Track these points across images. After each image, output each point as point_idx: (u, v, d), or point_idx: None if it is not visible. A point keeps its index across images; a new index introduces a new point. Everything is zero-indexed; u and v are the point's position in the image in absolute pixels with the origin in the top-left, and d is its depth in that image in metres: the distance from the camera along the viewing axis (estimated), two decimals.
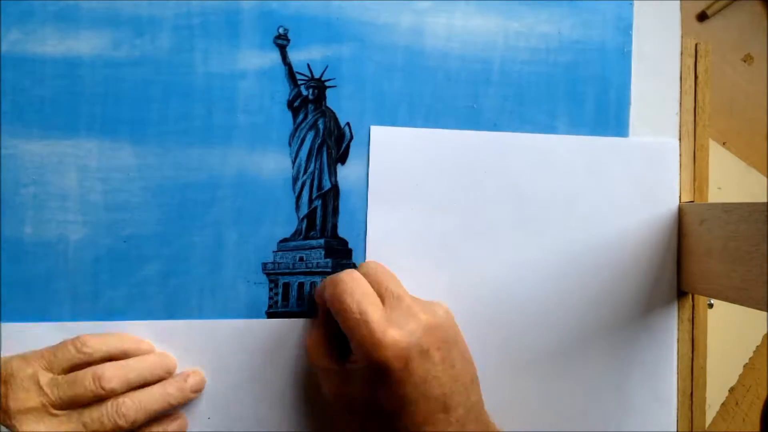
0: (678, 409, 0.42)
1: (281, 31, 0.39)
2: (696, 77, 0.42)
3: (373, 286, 0.35)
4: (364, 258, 0.40)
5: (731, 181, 0.60)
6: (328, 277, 0.36)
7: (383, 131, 0.40)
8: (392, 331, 0.32)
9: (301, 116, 0.40)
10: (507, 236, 0.41)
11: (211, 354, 0.38)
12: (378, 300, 0.34)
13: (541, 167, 0.41)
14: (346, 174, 0.40)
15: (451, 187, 0.40)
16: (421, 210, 0.40)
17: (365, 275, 0.36)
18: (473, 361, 0.36)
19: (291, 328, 0.39)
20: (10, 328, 0.37)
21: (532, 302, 0.41)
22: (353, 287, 0.34)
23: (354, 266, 0.40)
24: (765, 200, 0.45)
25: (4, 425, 0.32)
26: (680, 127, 0.42)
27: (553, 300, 0.41)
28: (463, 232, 0.40)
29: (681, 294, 0.41)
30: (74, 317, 0.38)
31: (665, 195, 0.42)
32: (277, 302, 0.40)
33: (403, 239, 0.40)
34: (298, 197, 0.40)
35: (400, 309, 0.33)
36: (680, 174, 0.42)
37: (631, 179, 0.41)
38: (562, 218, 0.41)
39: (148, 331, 0.38)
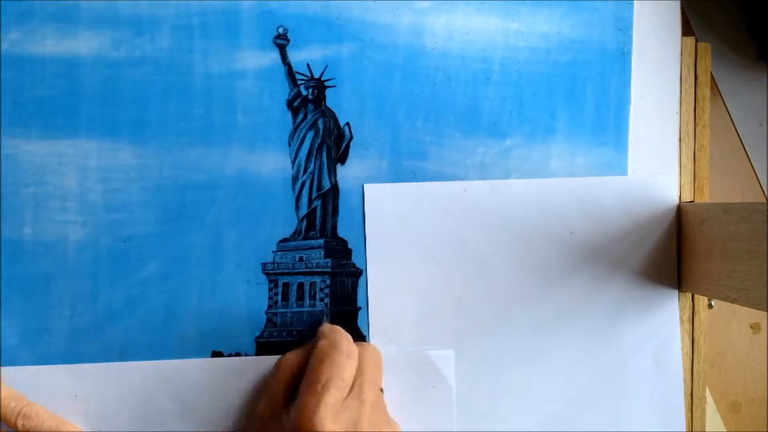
0: None
1: (281, 31, 0.39)
2: (696, 77, 0.42)
3: (357, 369, 0.35)
4: (365, 265, 0.40)
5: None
6: (337, 328, 0.37)
7: (376, 189, 0.40)
8: (330, 425, 0.32)
9: (300, 116, 0.40)
10: (504, 274, 0.41)
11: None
12: (347, 388, 0.34)
13: (536, 210, 0.41)
14: (345, 174, 0.40)
15: (447, 237, 0.40)
16: (421, 263, 0.40)
17: (360, 355, 0.36)
18: None
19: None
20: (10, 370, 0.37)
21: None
22: (340, 362, 0.34)
23: (354, 267, 0.40)
24: (765, 200, 0.44)
25: None
26: (680, 127, 0.42)
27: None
28: (463, 280, 0.40)
29: (681, 294, 0.41)
30: (73, 318, 0.38)
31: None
32: (276, 302, 0.40)
33: (405, 293, 0.40)
34: (298, 197, 0.40)
35: (353, 415, 0.33)
36: (680, 174, 0.42)
37: (629, 217, 0.41)
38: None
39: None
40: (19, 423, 0.35)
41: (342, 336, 0.36)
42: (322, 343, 0.36)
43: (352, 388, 0.34)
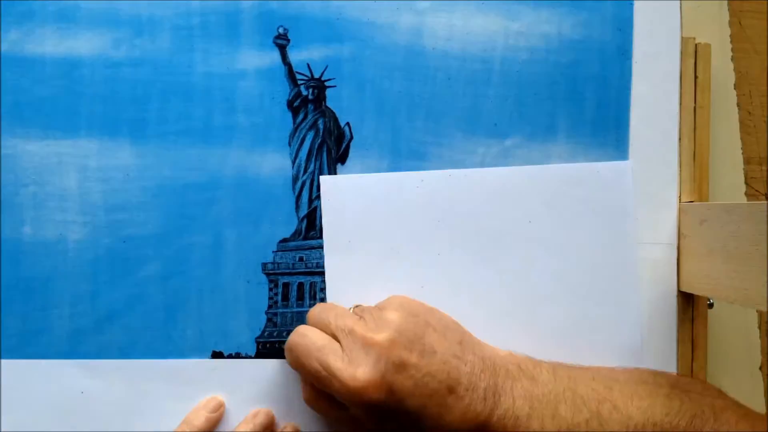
0: None
1: (281, 30, 0.39)
2: (696, 77, 0.42)
3: (324, 331, 0.35)
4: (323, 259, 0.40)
5: None
6: (285, 345, 0.36)
7: (333, 180, 0.39)
8: (360, 371, 0.32)
9: (301, 116, 0.40)
10: (464, 264, 0.40)
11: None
12: (334, 344, 0.34)
13: (495, 199, 0.40)
14: (345, 174, 0.40)
15: (406, 228, 0.40)
16: (379, 254, 0.39)
17: (314, 324, 0.36)
18: (452, 321, 0.36)
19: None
20: (11, 364, 0.37)
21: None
22: (306, 346, 0.34)
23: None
24: (765, 200, 0.45)
25: None
26: (680, 127, 0.42)
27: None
28: (423, 271, 0.40)
29: (681, 294, 0.41)
30: (73, 318, 0.38)
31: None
32: (276, 302, 0.40)
33: (363, 286, 0.39)
34: (298, 197, 0.40)
35: (356, 343, 0.33)
36: (680, 174, 0.42)
37: (589, 206, 0.41)
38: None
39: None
40: None
41: (289, 340, 0.36)
42: (289, 362, 0.36)
43: (337, 339, 0.34)
